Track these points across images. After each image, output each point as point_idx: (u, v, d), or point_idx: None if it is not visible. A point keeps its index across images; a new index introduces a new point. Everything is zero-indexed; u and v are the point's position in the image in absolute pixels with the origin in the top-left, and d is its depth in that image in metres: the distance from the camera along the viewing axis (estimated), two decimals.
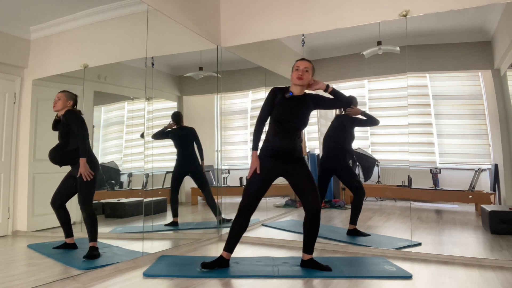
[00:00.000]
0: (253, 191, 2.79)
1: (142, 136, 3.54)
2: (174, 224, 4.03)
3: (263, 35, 4.15)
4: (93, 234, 2.93)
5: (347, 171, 3.95)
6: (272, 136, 2.81)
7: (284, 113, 2.75)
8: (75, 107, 3.03)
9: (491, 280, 2.59)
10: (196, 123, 4.30)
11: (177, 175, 4.05)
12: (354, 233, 3.75)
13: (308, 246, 2.84)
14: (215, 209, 4.19)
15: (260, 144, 2.87)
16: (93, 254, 2.89)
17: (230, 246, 2.84)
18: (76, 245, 3.00)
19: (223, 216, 4.20)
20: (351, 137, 3.96)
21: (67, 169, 3.06)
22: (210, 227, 4.22)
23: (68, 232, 2.98)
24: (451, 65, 3.87)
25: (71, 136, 2.95)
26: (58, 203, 2.97)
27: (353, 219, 3.77)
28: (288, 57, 4.39)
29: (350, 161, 4.01)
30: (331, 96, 2.86)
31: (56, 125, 3.03)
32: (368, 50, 3.96)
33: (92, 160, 3.03)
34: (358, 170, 4.40)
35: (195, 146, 4.15)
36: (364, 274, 2.71)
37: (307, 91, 2.90)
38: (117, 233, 3.57)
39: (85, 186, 2.94)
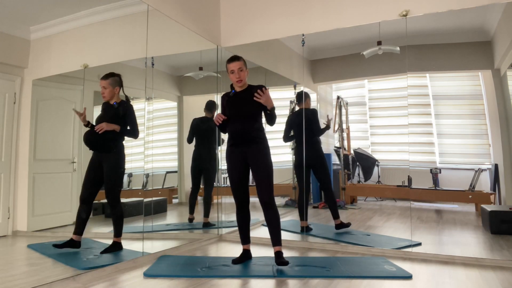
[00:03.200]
0: (236, 184, 3.04)
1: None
2: (189, 221, 4.16)
3: (263, 35, 4.16)
4: (117, 229, 3.07)
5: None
6: (230, 127, 3.07)
7: (232, 108, 3.03)
8: (122, 88, 3.17)
9: (491, 280, 2.59)
10: None
11: (196, 171, 4.24)
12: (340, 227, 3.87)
13: (272, 239, 2.98)
14: (208, 208, 4.26)
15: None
16: (113, 248, 3.03)
17: (245, 238, 3.14)
18: (80, 244, 2.99)
19: (209, 220, 4.25)
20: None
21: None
22: (210, 227, 4.22)
23: (81, 230, 2.98)
24: (451, 65, 3.87)
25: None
26: (89, 199, 3.02)
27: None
28: (288, 57, 4.39)
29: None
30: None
31: (105, 108, 3.14)
32: (368, 50, 3.96)
33: (122, 155, 3.13)
34: (358, 170, 4.40)
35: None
36: (364, 274, 2.71)
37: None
38: None
39: (111, 178, 3.05)
